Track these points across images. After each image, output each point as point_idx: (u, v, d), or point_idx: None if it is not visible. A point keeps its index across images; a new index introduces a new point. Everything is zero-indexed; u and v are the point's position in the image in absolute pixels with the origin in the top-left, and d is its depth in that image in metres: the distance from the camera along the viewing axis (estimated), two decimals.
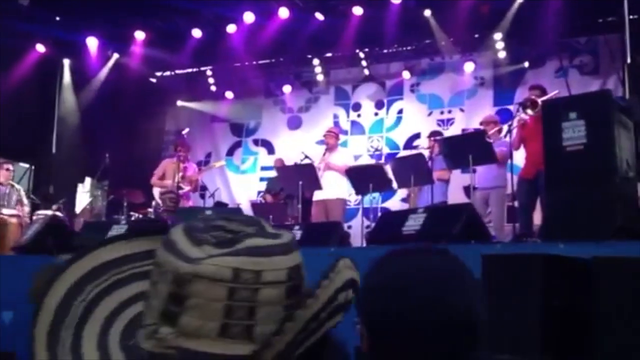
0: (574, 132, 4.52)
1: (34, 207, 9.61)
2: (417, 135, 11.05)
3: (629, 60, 7.09)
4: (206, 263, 0.79)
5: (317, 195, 8.53)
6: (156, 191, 9.29)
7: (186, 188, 9.22)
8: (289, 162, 10.11)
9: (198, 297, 0.79)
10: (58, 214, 9.01)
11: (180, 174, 9.03)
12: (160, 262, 0.83)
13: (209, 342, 0.79)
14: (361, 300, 1.01)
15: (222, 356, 0.79)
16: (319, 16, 10.58)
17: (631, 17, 7.11)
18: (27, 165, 10.78)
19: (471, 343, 1.03)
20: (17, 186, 9.46)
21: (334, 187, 8.41)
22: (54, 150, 11.61)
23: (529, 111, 6.84)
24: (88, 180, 11.78)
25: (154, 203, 9.21)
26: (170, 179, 9.16)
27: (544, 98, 6.88)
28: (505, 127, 7.50)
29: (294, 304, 0.84)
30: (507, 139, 7.22)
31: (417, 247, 1.14)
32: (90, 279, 0.93)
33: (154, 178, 9.39)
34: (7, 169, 9.38)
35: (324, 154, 8.79)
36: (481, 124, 8.32)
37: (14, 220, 9.00)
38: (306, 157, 9.11)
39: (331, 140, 8.93)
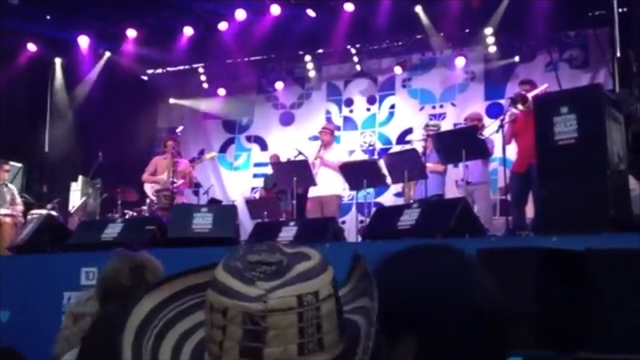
0: (565, 126, 4.58)
1: (28, 207, 9.60)
2: (409, 130, 11.09)
3: (618, 54, 7.16)
4: (272, 298, 0.89)
5: (313, 192, 8.56)
6: (148, 187, 9.27)
7: (179, 182, 9.23)
8: (282, 158, 10.14)
9: (275, 329, 0.89)
10: (53, 213, 9.00)
11: (172, 168, 9.04)
12: (219, 307, 0.91)
13: None
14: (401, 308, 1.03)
15: None
16: (311, 12, 10.60)
17: (620, 10, 7.18)
18: (19, 165, 10.76)
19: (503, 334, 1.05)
20: (10, 185, 9.44)
21: (329, 183, 8.44)
22: (46, 149, 11.59)
23: (520, 106, 6.90)
24: (81, 178, 11.77)
25: (147, 200, 9.22)
26: (162, 175, 9.16)
27: (534, 92, 6.95)
28: (495, 123, 7.54)
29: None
30: (498, 134, 7.27)
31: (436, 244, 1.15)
32: (174, 300, 1.02)
33: (145, 174, 9.38)
34: (5, 170, 9.38)
35: (319, 151, 8.82)
36: (465, 120, 8.37)
37: (8, 220, 8.98)
38: (300, 153, 9.14)
39: (326, 136, 8.96)
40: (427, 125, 8.99)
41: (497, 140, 7.52)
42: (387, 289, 0.98)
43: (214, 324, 0.91)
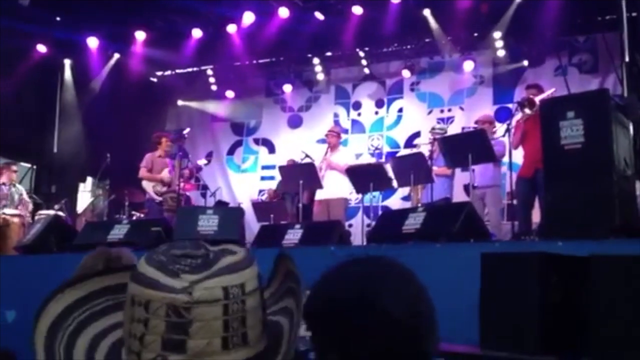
0: (572, 131, 4.56)
1: (36, 207, 9.64)
2: (417, 134, 11.08)
3: (627, 59, 7.11)
4: (198, 289, 0.87)
5: (319, 195, 8.57)
6: (147, 185, 9.27)
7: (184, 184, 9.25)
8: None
9: (200, 320, 0.86)
10: (60, 213, 9.04)
11: (179, 171, 9.03)
12: (142, 300, 0.88)
13: (215, 358, 0.88)
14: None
15: None
16: (319, 15, 10.61)
17: (629, 15, 7.12)
18: (28, 165, 10.82)
19: (407, 340, 1.06)
20: (18, 186, 9.49)
21: (336, 186, 8.45)
22: (55, 150, 11.64)
23: (527, 110, 6.87)
24: (89, 180, 11.83)
25: (147, 195, 9.21)
26: (160, 172, 9.17)
27: (541, 97, 6.92)
28: (502, 127, 7.52)
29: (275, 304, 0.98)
30: (505, 138, 7.25)
31: (355, 258, 1.17)
32: (88, 300, 1.01)
33: (143, 171, 9.32)
34: (14, 170, 9.43)
35: (326, 153, 8.82)
36: (476, 122, 8.36)
37: (16, 220, 9.03)
38: (307, 156, 9.14)
39: (333, 139, 8.97)
40: (433, 129, 8.97)
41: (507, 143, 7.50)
42: (312, 299, 1.02)
43: (134, 318, 0.89)
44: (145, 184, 9.23)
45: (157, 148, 9.40)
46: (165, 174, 9.13)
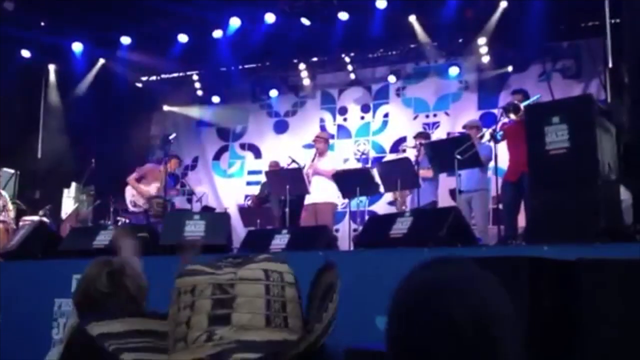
0: (556, 136, 4.60)
1: (20, 213, 9.56)
2: (403, 139, 11.11)
3: (610, 65, 7.18)
4: (242, 269, 0.94)
5: (307, 200, 8.56)
6: (129, 192, 9.23)
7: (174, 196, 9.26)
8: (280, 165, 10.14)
9: (244, 295, 0.92)
10: (45, 219, 8.97)
11: (161, 184, 9.02)
12: (187, 288, 0.94)
13: (260, 333, 0.92)
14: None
15: (276, 342, 0.93)
16: (305, 21, 10.64)
17: (612, 21, 7.20)
18: (12, 171, 10.72)
19: (488, 344, 1.00)
20: (2, 192, 9.41)
21: (323, 191, 8.45)
22: (39, 156, 11.56)
23: (512, 115, 6.92)
24: (74, 185, 11.74)
25: (129, 205, 9.19)
26: (149, 185, 9.15)
27: (526, 102, 6.98)
28: (487, 132, 7.57)
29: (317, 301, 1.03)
30: (491, 143, 7.30)
31: (434, 259, 1.11)
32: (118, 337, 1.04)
33: (131, 178, 9.29)
34: None
35: (313, 159, 8.82)
36: (464, 127, 8.41)
37: (0, 226, 8.95)
38: (293, 161, 9.14)
39: (321, 145, 8.97)
40: (416, 137, 9.08)
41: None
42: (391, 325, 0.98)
43: (181, 307, 0.93)
44: (128, 190, 9.20)
45: (164, 165, 9.27)
46: (152, 188, 9.11)
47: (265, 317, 0.93)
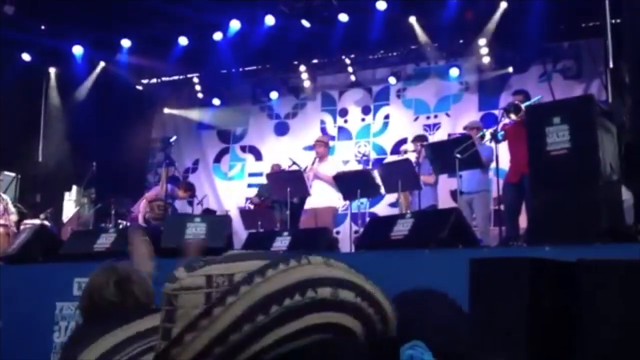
0: (557, 137, 4.59)
1: (21, 216, 9.56)
2: (403, 140, 11.10)
3: (611, 65, 7.17)
4: (186, 277, 0.86)
5: (307, 203, 8.55)
6: (143, 208, 9.31)
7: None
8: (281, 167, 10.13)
9: (183, 307, 0.85)
10: (46, 223, 8.97)
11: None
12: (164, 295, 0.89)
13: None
14: None
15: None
16: (305, 23, 10.64)
17: (613, 21, 7.19)
18: (13, 174, 10.72)
19: None
20: (3, 195, 9.41)
21: (323, 195, 8.43)
22: (40, 159, 11.56)
23: (513, 116, 6.92)
24: (75, 188, 11.75)
25: (141, 219, 9.24)
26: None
27: (527, 103, 6.97)
28: (488, 133, 7.56)
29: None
30: (492, 144, 7.29)
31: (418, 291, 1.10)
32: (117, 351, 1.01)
33: (151, 194, 9.45)
34: None
35: (313, 163, 8.81)
36: (465, 128, 8.40)
37: (1, 230, 8.94)
38: (294, 163, 9.14)
39: (321, 149, 8.95)
40: (414, 140, 9.08)
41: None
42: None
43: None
44: (143, 204, 9.29)
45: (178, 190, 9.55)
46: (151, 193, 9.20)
47: None
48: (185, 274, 0.86)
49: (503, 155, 7.40)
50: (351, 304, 0.88)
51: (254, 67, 12.16)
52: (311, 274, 0.87)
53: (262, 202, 9.96)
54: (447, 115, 11.20)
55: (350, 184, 7.65)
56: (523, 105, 6.70)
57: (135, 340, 1.01)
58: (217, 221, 7.14)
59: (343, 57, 11.57)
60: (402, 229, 5.27)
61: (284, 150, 11.48)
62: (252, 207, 10.39)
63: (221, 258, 0.88)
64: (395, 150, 11.15)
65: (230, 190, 12.46)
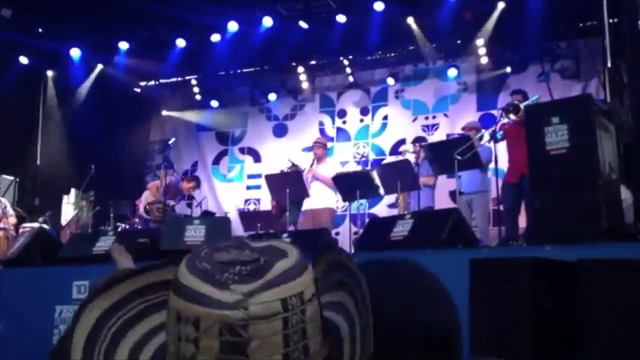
0: (556, 137, 4.59)
1: (20, 220, 9.54)
2: (402, 141, 11.12)
3: (609, 64, 7.18)
4: (253, 303, 0.78)
5: (305, 205, 8.55)
6: (145, 198, 9.26)
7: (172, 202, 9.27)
8: (275, 170, 10.11)
9: (258, 338, 0.78)
10: (45, 226, 8.95)
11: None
12: (190, 317, 0.79)
13: None
14: None
15: None
16: (303, 24, 10.63)
17: (611, 21, 7.20)
18: (11, 178, 10.72)
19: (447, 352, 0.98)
20: (2, 199, 9.40)
21: (322, 197, 8.44)
22: (38, 162, 11.55)
23: (512, 116, 6.92)
24: (73, 191, 11.72)
25: (142, 209, 9.20)
26: (170, 198, 9.22)
27: (526, 103, 6.97)
28: (487, 133, 7.56)
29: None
30: (490, 144, 7.29)
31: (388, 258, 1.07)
32: (118, 308, 0.91)
33: (153, 184, 9.40)
34: None
35: (312, 164, 8.81)
36: (463, 129, 8.40)
37: (0, 233, 8.94)
38: (293, 164, 9.13)
39: (319, 150, 8.96)
40: (413, 142, 9.09)
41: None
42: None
43: (182, 337, 0.80)
44: (145, 195, 9.26)
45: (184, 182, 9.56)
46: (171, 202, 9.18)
47: (282, 356, 0.79)
48: (249, 298, 0.78)
49: (502, 156, 7.41)
50: None
51: (252, 69, 12.15)
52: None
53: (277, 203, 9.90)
54: (446, 115, 11.20)
55: (349, 185, 7.64)
56: (522, 105, 6.70)
57: (130, 300, 0.92)
58: (216, 223, 7.13)
59: (341, 58, 11.57)
60: (401, 229, 5.26)
61: (282, 152, 11.48)
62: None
63: (276, 276, 0.81)
64: (394, 151, 11.16)
65: (229, 192, 12.45)
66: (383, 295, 0.97)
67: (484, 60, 10.79)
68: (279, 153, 11.56)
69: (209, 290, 0.79)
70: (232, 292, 0.78)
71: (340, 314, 0.90)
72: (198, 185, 10.02)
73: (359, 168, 11.02)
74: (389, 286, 1.01)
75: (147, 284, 0.93)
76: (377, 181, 7.67)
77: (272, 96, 12.42)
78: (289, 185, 7.88)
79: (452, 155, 6.60)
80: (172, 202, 9.21)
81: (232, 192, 12.44)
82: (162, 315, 0.89)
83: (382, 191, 7.86)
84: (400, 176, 7.38)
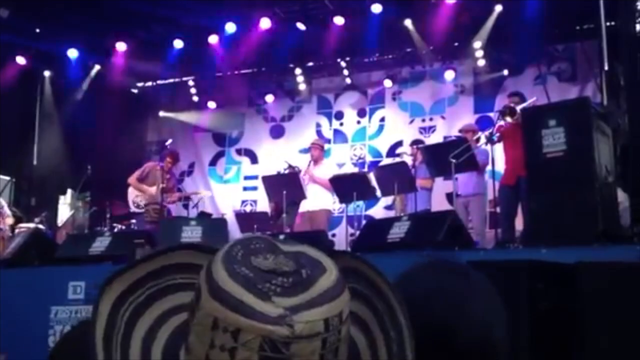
0: (553, 139, 4.60)
1: (16, 220, 9.52)
2: (399, 143, 11.13)
3: (606, 67, 7.20)
4: (297, 321, 0.77)
5: (302, 207, 8.55)
6: (131, 192, 9.13)
7: (171, 197, 9.19)
8: (272, 171, 10.10)
9: (298, 356, 0.77)
10: (40, 226, 8.93)
11: (162, 185, 8.90)
12: (228, 326, 0.77)
13: None
14: None
15: None
16: (301, 26, 10.63)
17: (607, 24, 7.22)
18: (7, 178, 10.69)
19: None
20: None
21: (318, 199, 8.44)
22: (35, 163, 11.52)
23: (508, 118, 6.91)
24: (70, 192, 11.70)
25: (132, 205, 9.10)
26: (151, 185, 8.99)
27: (523, 105, 6.97)
28: (483, 136, 7.56)
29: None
30: (487, 147, 7.29)
31: (442, 262, 1.07)
32: (132, 291, 0.89)
33: (133, 178, 9.11)
34: None
35: (308, 166, 8.81)
36: (460, 131, 8.41)
37: None
38: (290, 166, 9.13)
39: (316, 152, 8.95)
40: (411, 145, 9.10)
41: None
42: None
43: (217, 344, 0.77)
44: (130, 191, 9.12)
45: (165, 161, 9.09)
46: (154, 189, 8.97)
47: None
48: (294, 315, 0.77)
49: (498, 158, 7.41)
50: None
51: (250, 70, 12.15)
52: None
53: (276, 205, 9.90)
54: (443, 118, 11.21)
55: (346, 186, 7.65)
56: (518, 108, 6.70)
57: (146, 281, 0.91)
58: (213, 224, 7.14)
59: (338, 60, 11.58)
60: (398, 231, 5.26)
61: (279, 153, 11.47)
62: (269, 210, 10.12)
63: (320, 295, 0.79)
64: (391, 152, 11.17)
65: (226, 193, 12.44)
66: (442, 303, 1.00)
67: (481, 62, 10.80)
68: (276, 154, 11.55)
69: (252, 301, 0.76)
70: (274, 305, 0.77)
71: (355, 326, 0.88)
72: (176, 161, 9.63)
73: (356, 170, 11.02)
74: (451, 295, 1.02)
75: (159, 267, 0.91)
76: (374, 183, 7.68)
77: (269, 97, 12.41)
78: (285, 186, 7.87)
79: (449, 157, 6.61)
80: (170, 198, 9.11)
81: (229, 193, 12.43)
82: (167, 302, 0.89)
83: (378, 193, 7.86)
84: (397, 178, 7.38)
